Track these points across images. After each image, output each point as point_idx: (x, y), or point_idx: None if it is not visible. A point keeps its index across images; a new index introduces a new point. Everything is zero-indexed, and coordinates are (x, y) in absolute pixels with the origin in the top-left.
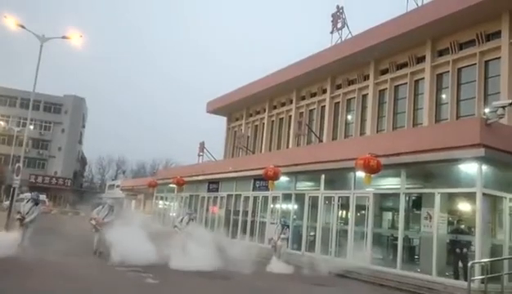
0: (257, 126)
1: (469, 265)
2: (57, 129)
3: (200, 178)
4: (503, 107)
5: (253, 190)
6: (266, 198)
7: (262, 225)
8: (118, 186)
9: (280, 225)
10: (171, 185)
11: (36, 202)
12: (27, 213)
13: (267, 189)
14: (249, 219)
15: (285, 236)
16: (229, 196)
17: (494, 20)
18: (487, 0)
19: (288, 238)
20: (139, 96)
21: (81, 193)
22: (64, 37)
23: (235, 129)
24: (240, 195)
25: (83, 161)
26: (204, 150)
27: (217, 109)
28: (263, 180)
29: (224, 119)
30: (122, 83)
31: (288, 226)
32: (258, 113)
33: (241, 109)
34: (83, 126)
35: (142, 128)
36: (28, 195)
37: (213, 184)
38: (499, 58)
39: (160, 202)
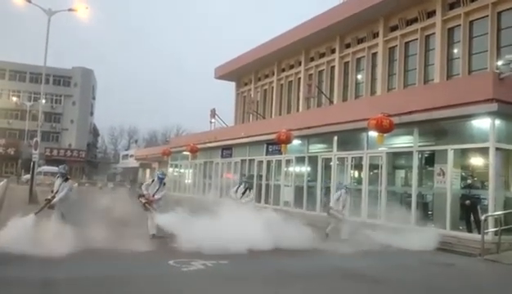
0: (266, 90)
1: (483, 218)
2: (68, 102)
3: (213, 144)
4: None
5: (266, 155)
6: (279, 161)
7: (277, 188)
8: (131, 156)
9: (343, 191)
10: (185, 153)
11: (66, 178)
12: (56, 191)
13: (279, 152)
14: (264, 183)
15: (347, 203)
16: (243, 161)
17: None
18: None
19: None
20: (147, 66)
21: (95, 164)
22: (70, 10)
23: (244, 94)
24: (254, 160)
25: (95, 132)
26: (216, 117)
27: (225, 74)
28: (276, 145)
29: (233, 85)
30: (129, 54)
31: (350, 191)
32: (266, 76)
33: (250, 74)
34: (94, 98)
35: (152, 97)
36: (45, 168)
37: (227, 150)
38: (511, 8)
39: (175, 169)
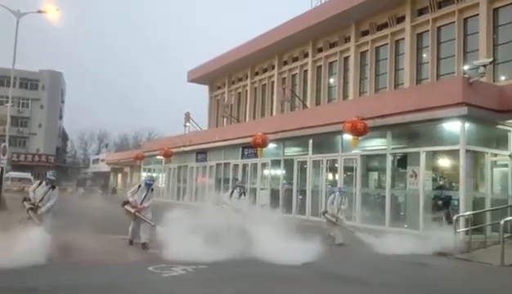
0: (240, 93)
1: (455, 218)
2: (36, 105)
3: (188, 148)
4: (484, 65)
5: (241, 158)
6: (255, 165)
7: (253, 192)
8: (102, 160)
9: (337, 194)
10: (158, 157)
11: (53, 185)
12: (41, 200)
13: (255, 156)
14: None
15: (344, 206)
16: (218, 165)
17: None
18: None
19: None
20: (118, 69)
21: (65, 170)
22: (40, 12)
23: (217, 97)
24: (229, 163)
25: (64, 136)
26: (190, 120)
27: (198, 77)
28: (252, 148)
29: (206, 88)
30: (100, 57)
31: (346, 194)
32: (240, 80)
33: (223, 77)
34: (63, 102)
35: (123, 101)
36: (14, 174)
37: (201, 154)
38: (477, 15)
39: (148, 174)
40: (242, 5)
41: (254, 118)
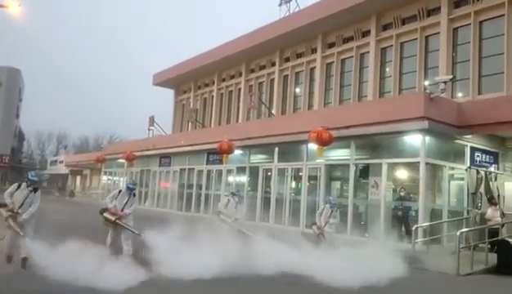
0: (206, 98)
1: (413, 228)
2: None
3: (151, 152)
4: (444, 82)
5: (206, 164)
6: (220, 171)
7: (217, 198)
8: (61, 162)
9: (327, 206)
10: (120, 160)
11: (35, 188)
12: (21, 205)
13: (220, 162)
14: (203, 192)
15: (335, 220)
16: (182, 170)
17: None
18: None
19: (337, 222)
20: (80, 69)
21: (20, 170)
22: (0, 6)
23: (183, 102)
24: (194, 169)
25: (20, 136)
26: (154, 124)
27: (164, 81)
28: (217, 154)
29: (171, 92)
30: (62, 56)
31: (337, 207)
32: (206, 85)
33: (189, 82)
34: (20, 100)
35: (84, 102)
36: None
37: (165, 159)
38: (438, 33)
39: (109, 177)
40: (215, 10)
41: (220, 124)
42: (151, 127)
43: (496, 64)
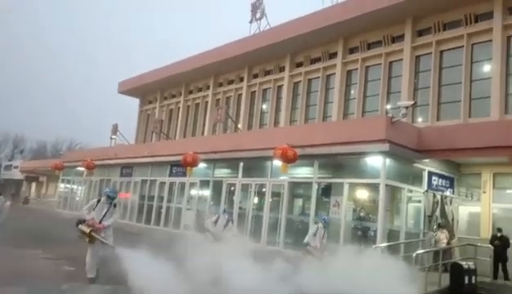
0: (172, 110)
1: (372, 248)
2: None
3: (113, 162)
4: (406, 107)
5: (169, 176)
6: (183, 184)
7: (178, 211)
8: (16, 167)
9: (320, 225)
10: (79, 168)
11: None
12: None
13: (184, 175)
14: (165, 205)
15: (325, 241)
16: (143, 181)
17: (399, 24)
18: (392, 6)
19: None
20: (40, 72)
21: None
22: None
23: (148, 112)
24: (156, 181)
25: None
26: (117, 133)
27: (129, 90)
28: (181, 167)
29: (136, 101)
30: (22, 57)
31: (328, 225)
32: (173, 96)
33: (155, 92)
34: None
35: (44, 105)
36: None
37: (127, 169)
38: (401, 60)
39: (66, 185)
40: (189, 22)
41: (185, 136)
42: (114, 136)
43: (454, 92)
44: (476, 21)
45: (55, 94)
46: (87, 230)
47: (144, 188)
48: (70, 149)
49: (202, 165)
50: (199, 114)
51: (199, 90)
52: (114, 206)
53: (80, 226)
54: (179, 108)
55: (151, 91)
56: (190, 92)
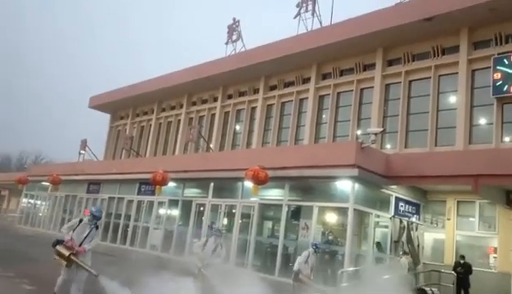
0: (143, 127)
1: (339, 272)
2: None
3: (80, 178)
4: (375, 133)
5: (137, 194)
6: (151, 202)
7: (145, 230)
8: None
9: (311, 251)
10: (44, 183)
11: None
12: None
13: (153, 193)
14: (132, 224)
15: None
16: (111, 199)
17: (370, 52)
18: (363, 36)
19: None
20: (8, 81)
21: None
22: None
23: (119, 128)
24: (123, 199)
25: None
26: (86, 148)
27: (100, 104)
28: (150, 185)
29: (107, 117)
30: None
31: (318, 250)
32: (145, 113)
33: (127, 108)
34: None
35: (8, 116)
36: None
37: (94, 185)
38: (372, 87)
39: (30, 200)
40: (162, 41)
41: (156, 154)
42: (83, 151)
43: (421, 121)
44: (443, 54)
45: (21, 105)
46: (66, 253)
47: (111, 205)
48: (36, 163)
49: (172, 184)
50: (171, 133)
51: (172, 108)
52: (97, 228)
53: (58, 247)
54: (151, 125)
55: (123, 107)
56: (163, 110)
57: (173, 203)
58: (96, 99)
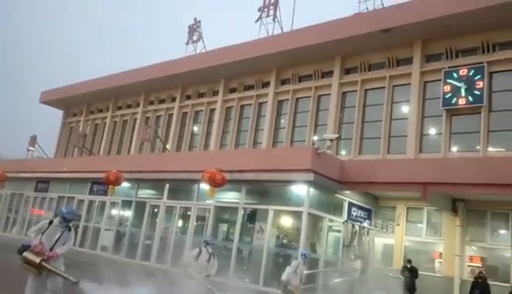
0: (97, 125)
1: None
2: None
3: (27, 175)
4: (331, 140)
5: (89, 194)
6: (103, 203)
7: (95, 231)
8: None
9: (301, 261)
10: None
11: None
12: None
13: (105, 193)
14: (82, 224)
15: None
16: (60, 198)
17: (328, 60)
18: (322, 44)
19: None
20: None
21: None
22: None
23: (72, 125)
24: (74, 198)
25: None
26: (36, 145)
27: (53, 100)
28: (102, 185)
29: (60, 113)
30: None
31: (307, 260)
32: (100, 111)
33: (81, 105)
34: None
35: None
36: None
37: (43, 184)
38: (329, 94)
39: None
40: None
41: (110, 153)
42: (32, 148)
43: (375, 129)
44: (398, 65)
45: None
46: (37, 260)
47: (60, 205)
48: None
49: (125, 184)
50: (127, 132)
51: (129, 106)
52: (69, 230)
53: (25, 254)
54: (105, 123)
55: (77, 104)
56: (119, 108)
57: (127, 204)
58: (47, 94)
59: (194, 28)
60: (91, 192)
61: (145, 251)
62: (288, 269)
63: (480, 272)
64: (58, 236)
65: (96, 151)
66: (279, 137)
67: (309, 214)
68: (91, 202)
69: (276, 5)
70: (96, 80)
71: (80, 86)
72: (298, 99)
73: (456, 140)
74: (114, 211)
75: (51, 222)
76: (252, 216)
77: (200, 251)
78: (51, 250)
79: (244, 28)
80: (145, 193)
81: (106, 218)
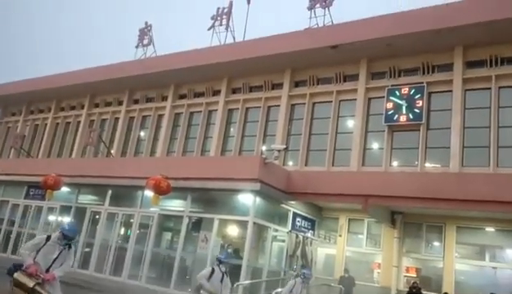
0: (37, 125)
1: (235, 285)
2: None
3: None
4: (278, 150)
5: (25, 198)
6: (40, 208)
7: (30, 238)
8: None
9: (298, 280)
10: None
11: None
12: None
13: (42, 198)
14: (15, 230)
15: None
16: None
17: (279, 72)
18: (274, 56)
19: None
20: None
21: None
22: None
23: (9, 125)
24: (8, 202)
25: None
26: None
27: None
28: (40, 189)
29: None
30: None
31: (309, 280)
32: (41, 111)
33: (21, 104)
34: None
35: None
36: None
37: None
38: (279, 106)
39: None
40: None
41: (50, 156)
42: None
43: (321, 141)
44: (345, 81)
45: None
46: (30, 284)
47: None
48: None
49: (65, 189)
50: (69, 134)
51: (72, 108)
52: (70, 247)
53: (17, 275)
54: (46, 124)
55: (16, 103)
56: (62, 109)
57: (66, 210)
58: None
59: (144, 32)
60: (27, 196)
61: (84, 259)
62: (283, 291)
63: (414, 282)
64: (56, 255)
65: (35, 153)
66: (228, 146)
67: (254, 223)
68: (26, 207)
69: (229, 14)
70: (37, 79)
71: (20, 85)
72: (248, 108)
73: (397, 155)
74: (52, 217)
75: (48, 237)
76: (197, 225)
77: (213, 270)
78: (47, 271)
79: (197, 32)
80: (87, 198)
81: (43, 224)
